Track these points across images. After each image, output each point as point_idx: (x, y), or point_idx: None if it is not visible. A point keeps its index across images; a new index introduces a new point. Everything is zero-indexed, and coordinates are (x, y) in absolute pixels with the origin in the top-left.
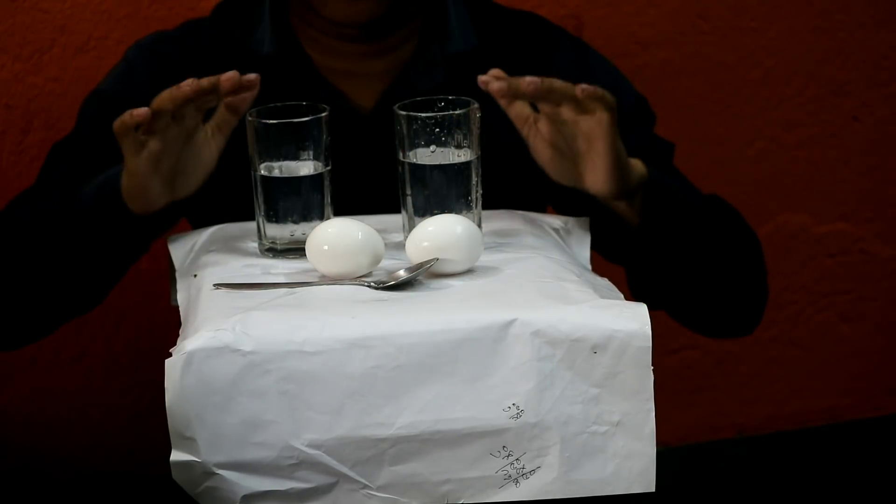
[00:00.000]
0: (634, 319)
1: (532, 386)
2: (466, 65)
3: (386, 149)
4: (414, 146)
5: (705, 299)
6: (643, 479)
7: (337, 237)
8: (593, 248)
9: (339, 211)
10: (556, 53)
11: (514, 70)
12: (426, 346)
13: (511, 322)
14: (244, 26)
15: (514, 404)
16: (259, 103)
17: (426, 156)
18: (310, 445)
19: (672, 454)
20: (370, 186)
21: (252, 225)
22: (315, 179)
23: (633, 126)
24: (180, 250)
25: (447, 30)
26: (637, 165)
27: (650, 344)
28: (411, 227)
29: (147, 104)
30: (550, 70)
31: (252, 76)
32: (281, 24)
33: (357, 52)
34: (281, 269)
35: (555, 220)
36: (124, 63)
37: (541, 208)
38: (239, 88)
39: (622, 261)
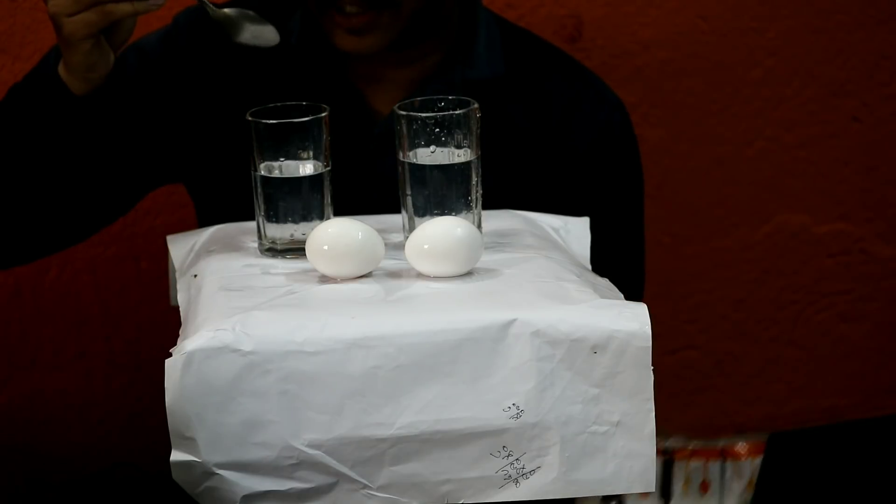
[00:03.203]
0: (634, 319)
1: (532, 386)
2: (486, 92)
3: (392, 157)
4: (414, 146)
5: None
6: (643, 479)
7: (337, 237)
8: None
9: (339, 211)
10: (580, 109)
11: (533, 109)
12: (426, 346)
13: (511, 322)
14: (281, 13)
15: (514, 404)
16: (281, 92)
17: (426, 156)
18: (310, 445)
19: None
20: (372, 188)
21: (252, 225)
22: (315, 179)
23: (624, 220)
24: (180, 250)
25: (473, 54)
26: None
27: (650, 344)
28: (411, 227)
29: (186, 69)
30: (569, 123)
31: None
32: (312, 18)
33: (377, 59)
34: (281, 269)
35: (555, 220)
36: (172, 25)
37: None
38: None
39: None
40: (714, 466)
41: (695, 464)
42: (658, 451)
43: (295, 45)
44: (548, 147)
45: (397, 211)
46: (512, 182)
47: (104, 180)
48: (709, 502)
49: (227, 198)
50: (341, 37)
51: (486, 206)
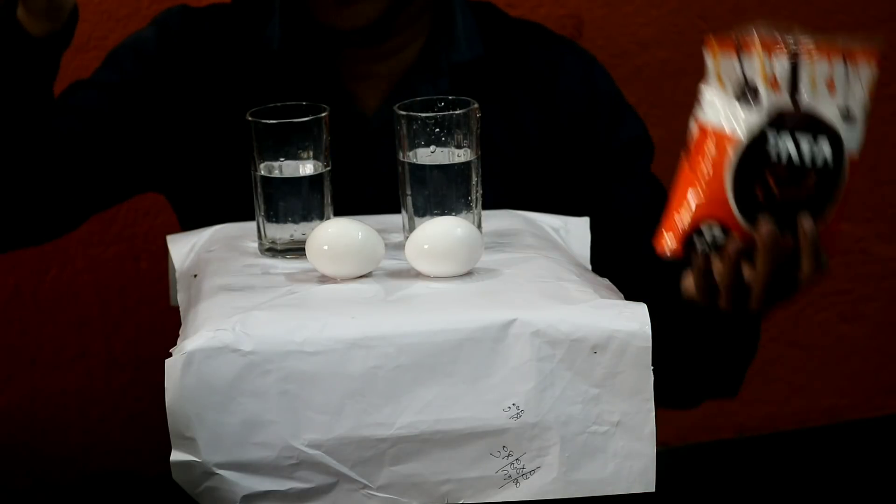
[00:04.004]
0: (634, 319)
1: (532, 386)
2: (471, 73)
3: (387, 153)
4: (414, 146)
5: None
6: (643, 479)
7: (337, 237)
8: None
9: (339, 211)
10: (561, 67)
11: (518, 80)
12: (426, 346)
13: (511, 322)
14: (258, 20)
15: (514, 404)
16: (267, 99)
17: (426, 156)
18: (310, 445)
19: (672, 454)
20: (370, 189)
21: (252, 225)
22: (315, 179)
23: (635, 161)
24: (180, 250)
25: (453, 38)
26: None
27: (650, 344)
28: (411, 227)
29: (179, 75)
30: (554, 83)
31: None
32: (292, 22)
33: (361, 56)
34: (281, 269)
35: (555, 220)
36: (161, 26)
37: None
38: None
39: None
40: (838, 67)
41: (820, 65)
42: (784, 50)
43: (277, 50)
44: (540, 119)
45: (394, 209)
46: (509, 162)
47: (87, 177)
48: (835, 102)
49: (212, 208)
50: (330, 11)
51: (485, 189)
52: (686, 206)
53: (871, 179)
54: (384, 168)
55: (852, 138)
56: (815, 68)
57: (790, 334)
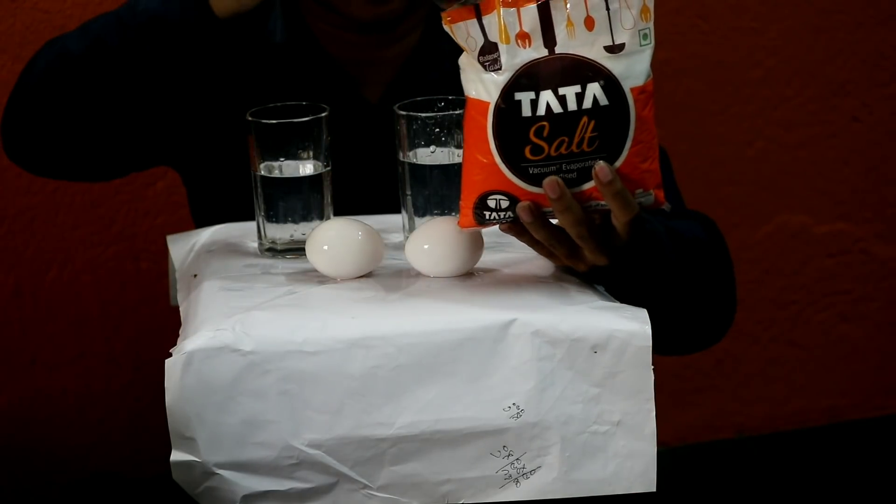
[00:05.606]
0: (634, 319)
1: (532, 386)
2: None
3: (392, 138)
4: (414, 146)
5: (670, 324)
6: (644, 478)
7: (337, 237)
8: None
9: (339, 211)
10: None
11: None
12: (426, 346)
13: (511, 322)
14: (260, 13)
15: (514, 404)
16: (272, 91)
17: (426, 156)
18: (310, 445)
19: (672, 454)
20: (375, 177)
21: (252, 225)
22: (315, 179)
23: None
24: (180, 250)
25: None
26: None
27: (650, 344)
28: (411, 227)
29: (201, 56)
30: None
31: None
32: (293, 13)
33: (366, 43)
34: (281, 269)
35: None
36: None
37: None
38: None
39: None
40: (596, 2)
41: (574, 4)
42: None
43: (280, 42)
44: None
45: (398, 198)
46: None
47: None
48: (599, 35)
49: (219, 191)
50: (359, 5)
51: None
52: (467, 182)
53: (871, 179)
54: (390, 154)
55: (629, 69)
56: (570, 9)
57: (790, 334)
